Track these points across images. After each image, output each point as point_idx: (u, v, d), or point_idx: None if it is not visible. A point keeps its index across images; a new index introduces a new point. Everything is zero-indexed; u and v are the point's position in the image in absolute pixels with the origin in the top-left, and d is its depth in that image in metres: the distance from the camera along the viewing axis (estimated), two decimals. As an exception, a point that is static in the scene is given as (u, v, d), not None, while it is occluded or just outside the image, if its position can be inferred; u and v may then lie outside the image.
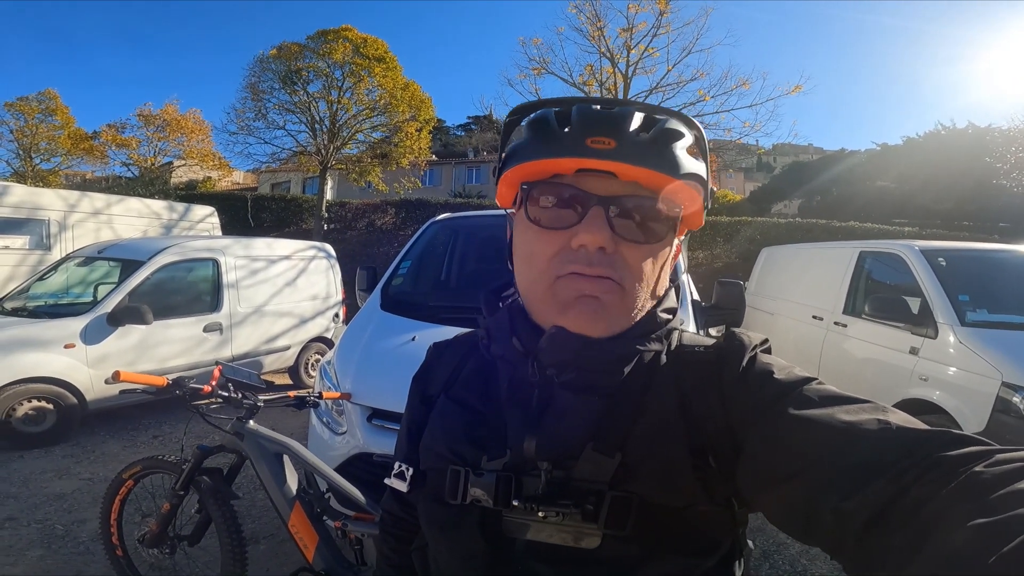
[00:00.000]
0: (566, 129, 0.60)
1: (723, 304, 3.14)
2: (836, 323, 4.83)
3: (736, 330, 0.67)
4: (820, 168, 22.69)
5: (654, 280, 0.64)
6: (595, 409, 0.62)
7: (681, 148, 0.61)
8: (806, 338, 5.30)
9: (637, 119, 0.60)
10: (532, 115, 0.66)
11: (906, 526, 0.40)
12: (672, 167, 0.59)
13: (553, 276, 0.61)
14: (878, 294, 4.38)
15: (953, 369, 3.42)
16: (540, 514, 0.58)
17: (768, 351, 0.65)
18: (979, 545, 0.34)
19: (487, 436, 0.66)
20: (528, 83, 14.71)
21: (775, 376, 0.58)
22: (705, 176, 0.63)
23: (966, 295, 3.77)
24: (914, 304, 3.95)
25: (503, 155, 0.68)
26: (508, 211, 0.72)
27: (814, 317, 5.21)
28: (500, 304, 0.73)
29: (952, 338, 3.48)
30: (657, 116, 0.63)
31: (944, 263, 4.03)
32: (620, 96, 13.69)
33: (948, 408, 3.34)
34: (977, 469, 0.40)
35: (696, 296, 3.56)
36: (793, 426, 0.52)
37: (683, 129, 0.62)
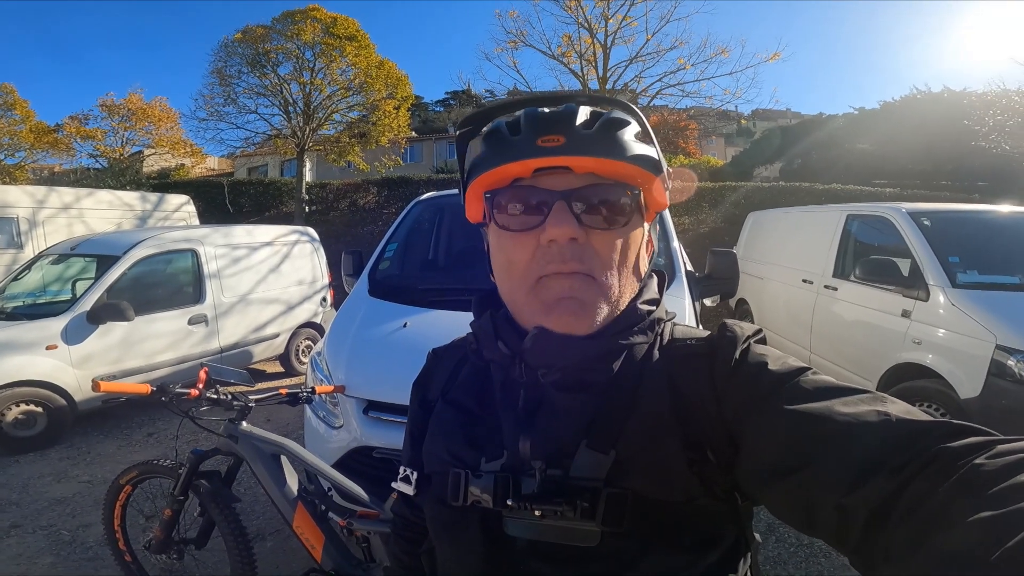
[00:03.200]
0: (517, 135, 0.62)
1: (717, 274, 3.12)
2: (826, 286, 4.86)
3: (728, 321, 0.67)
4: (800, 132, 22.65)
5: (629, 266, 0.65)
6: (588, 407, 0.62)
7: (628, 134, 0.63)
8: (797, 302, 5.35)
9: (582, 115, 0.62)
10: (485, 128, 0.68)
11: (908, 521, 0.40)
12: (621, 153, 0.61)
13: (534, 278, 0.62)
14: (867, 256, 4.39)
15: (946, 332, 3.44)
16: (537, 513, 0.59)
17: (762, 341, 0.65)
18: (982, 541, 0.34)
19: (484, 438, 0.67)
20: (506, 56, 14.39)
21: (769, 367, 0.58)
22: (657, 158, 0.65)
23: (956, 256, 3.78)
24: (904, 266, 3.96)
25: (465, 172, 0.69)
26: (481, 225, 0.72)
27: (804, 281, 5.24)
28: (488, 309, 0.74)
29: (943, 299, 3.49)
30: (601, 109, 0.67)
31: (929, 224, 4.03)
32: (600, 67, 13.52)
33: (942, 372, 3.36)
34: (978, 462, 0.39)
35: (689, 266, 3.53)
36: (791, 420, 0.52)
37: (627, 117, 0.65)
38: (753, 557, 0.68)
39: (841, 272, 4.74)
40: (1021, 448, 0.39)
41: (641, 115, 0.69)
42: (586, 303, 0.61)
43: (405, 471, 0.77)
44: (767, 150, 23.31)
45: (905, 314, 3.75)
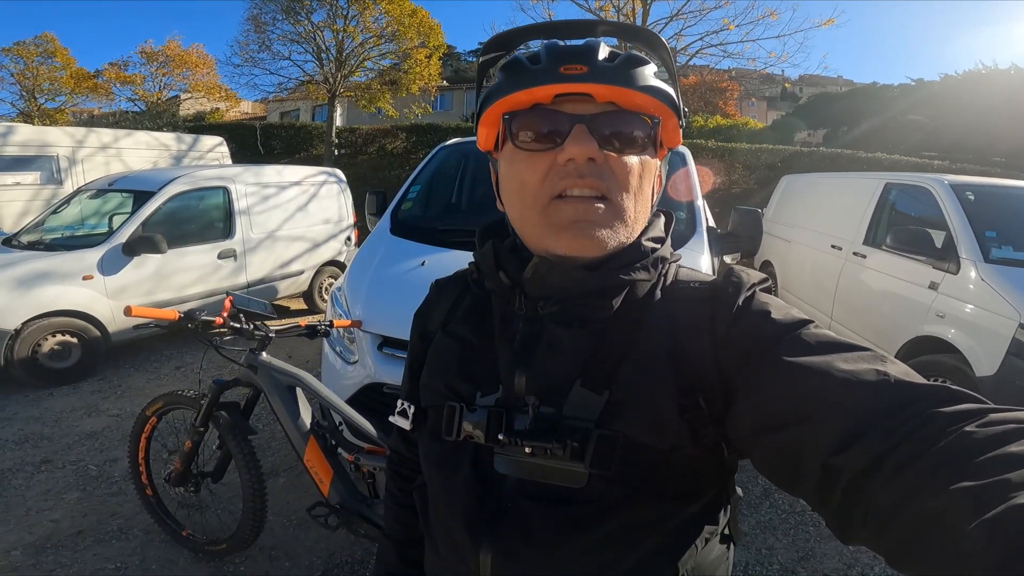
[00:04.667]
0: (538, 64, 0.61)
1: (739, 231, 3.05)
2: (855, 253, 4.72)
3: (734, 267, 0.66)
4: (849, 100, 21.62)
5: (645, 195, 0.64)
6: (585, 344, 0.62)
7: (649, 70, 0.62)
8: (823, 267, 5.23)
9: (604, 50, 0.62)
10: (503, 60, 0.67)
11: (890, 486, 0.40)
12: (641, 85, 0.60)
13: (547, 197, 0.60)
14: (902, 226, 4.24)
15: (971, 307, 3.32)
16: (527, 450, 0.59)
17: (768, 290, 0.63)
18: (961, 510, 0.34)
19: (481, 371, 0.67)
20: (541, 7, 14.00)
21: (771, 317, 0.57)
22: (675, 96, 0.64)
23: (993, 231, 3.62)
24: (938, 238, 3.83)
25: (480, 100, 0.68)
26: (490, 154, 0.71)
27: (833, 246, 5.11)
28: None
29: (974, 274, 3.37)
30: (624, 41, 0.69)
31: (972, 198, 3.85)
32: (638, 22, 13.00)
33: (961, 347, 3.26)
34: (968, 429, 0.39)
35: (712, 222, 3.47)
36: (788, 373, 0.51)
37: (649, 53, 0.67)
38: (733, 510, 0.69)
39: (872, 240, 4.60)
40: (1013, 419, 0.38)
41: (666, 46, 0.68)
42: (598, 225, 0.59)
43: (402, 405, 0.77)
44: (812, 115, 22.37)
45: (932, 286, 3.64)
